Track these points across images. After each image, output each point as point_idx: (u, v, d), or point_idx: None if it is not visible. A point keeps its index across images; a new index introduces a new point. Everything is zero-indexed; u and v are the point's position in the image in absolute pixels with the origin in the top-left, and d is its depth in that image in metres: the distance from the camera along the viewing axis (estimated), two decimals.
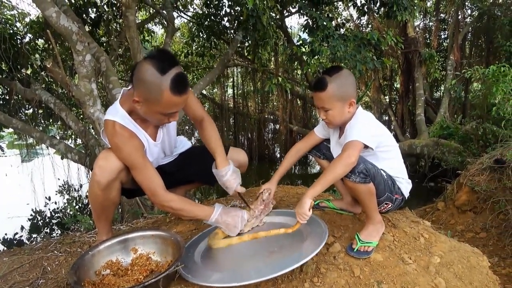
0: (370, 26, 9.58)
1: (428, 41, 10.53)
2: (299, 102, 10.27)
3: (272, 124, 11.12)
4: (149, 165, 1.57)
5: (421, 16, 10.45)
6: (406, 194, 1.83)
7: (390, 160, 1.77)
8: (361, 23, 9.99)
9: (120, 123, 1.53)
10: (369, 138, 1.60)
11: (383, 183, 1.69)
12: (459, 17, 9.33)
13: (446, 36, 10.62)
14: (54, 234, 5.90)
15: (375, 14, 7.60)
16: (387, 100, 10.89)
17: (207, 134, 1.83)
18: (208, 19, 6.49)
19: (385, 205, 1.77)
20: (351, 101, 1.67)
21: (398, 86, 10.41)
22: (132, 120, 1.57)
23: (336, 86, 1.63)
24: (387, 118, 10.46)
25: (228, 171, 1.76)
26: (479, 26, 9.82)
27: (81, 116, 6.26)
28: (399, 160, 1.81)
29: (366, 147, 1.60)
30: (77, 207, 6.83)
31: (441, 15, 10.36)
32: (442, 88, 10.32)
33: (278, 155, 10.99)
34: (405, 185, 1.81)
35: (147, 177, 1.55)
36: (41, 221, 6.63)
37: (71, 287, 1.44)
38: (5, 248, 3.56)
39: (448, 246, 1.78)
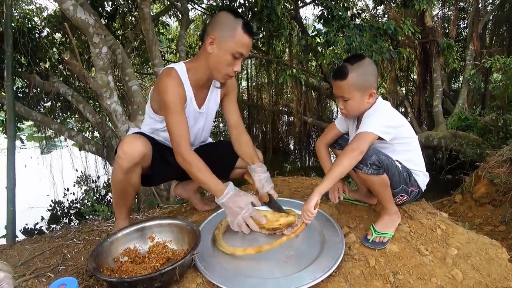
0: (386, 16, 9.39)
1: (447, 31, 10.27)
2: (313, 94, 10.15)
3: (286, 116, 11.04)
4: (184, 116, 1.62)
5: (440, 5, 10.17)
6: (423, 187, 1.80)
7: (408, 152, 1.73)
8: (377, 13, 9.80)
9: (178, 72, 1.64)
10: (383, 130, 1.56)
11: (398, 175, 1.66)
12: (479, 5, 9.05)
13: (465, 25, 10.32)
14: (72, 224, 6.05)
15: (391, 3, 7.44)
16: (404, 91, 10.69)
17: (245, 137, 1.91)
18: None
19: (401, 197, 1.75)
20: (371, 92, 1.63)
21: (415, 77, 10.20)
22: (188, 79, 1.68)
23: (357, 75, 1.59)
24: (403, 109, 10.27)
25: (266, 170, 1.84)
26: (500, 15, 9.52)
27: (98, 108, 6.37)
28: (418, 152, 1.77)
29: (381, 138, 1.58)
30: (94, 197, 6.97)
31: (461, 3, 10.07)
32: (461, 79, 10.08)
33: (292, 147, 10.96)
34: (422, 178, 1.78)
35: (179, 124, 1.58)
36: (60, 211, 6.79)
37: (91, 273, 1.48)
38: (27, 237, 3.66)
39: (465, 237, 1.75)
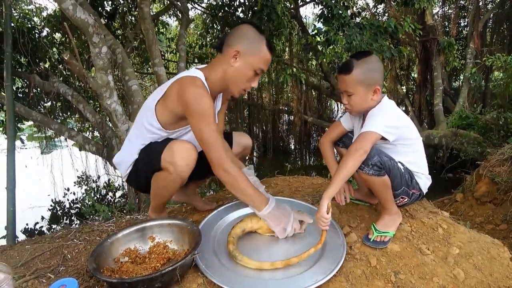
0: (386, 14, 9.37)
1: (447, 29, 10.25)
2: (314, 93, 10.15)
3: (286, 116, 11.02)
4: (216, 124, 1.58)
5: (440, 3, 10.16)
6: (425, 189, 1.77)
7: (411, 154, 1.71)
8: (378, 11, 9.79)
9: (202, 80, 1.59)
10: (387, 130, 1.55)
11: (400, 176, 1.64)
12: (480, 3, 9.03)
13: (466, 23, 10.31)
14: (73, 224, 6.04)
15: (392, 1, 7.43)
16: (404, 90, 10.67)
17: (226, 142, 1.90)
18: (222, 10, 6.46)
19: (401, 199, 1.72)
20: (375, 88, 1.62)
21: (416, 75, 10.20)
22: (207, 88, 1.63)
23: (362, 71, 1.59)
24: (404, 108, 10.25)
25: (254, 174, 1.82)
26: (501, 13, 9.51)
27: (98, 108, 6.36)
28: (421, 154, 1.75)
29: (384, 138, 1.57)
30: (95, 197, 6.97)
31: (461, 1, 10.05)
32: (461, 77, 10.06)
33: (293, 147, 10.95)
34: (424, 181, 1.75)
35: (216, 134, 1.52)
36: (60, 211, 6.79)
37: (91, 273, 1.47)
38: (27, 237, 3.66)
39: (467, 237, 1.75)
